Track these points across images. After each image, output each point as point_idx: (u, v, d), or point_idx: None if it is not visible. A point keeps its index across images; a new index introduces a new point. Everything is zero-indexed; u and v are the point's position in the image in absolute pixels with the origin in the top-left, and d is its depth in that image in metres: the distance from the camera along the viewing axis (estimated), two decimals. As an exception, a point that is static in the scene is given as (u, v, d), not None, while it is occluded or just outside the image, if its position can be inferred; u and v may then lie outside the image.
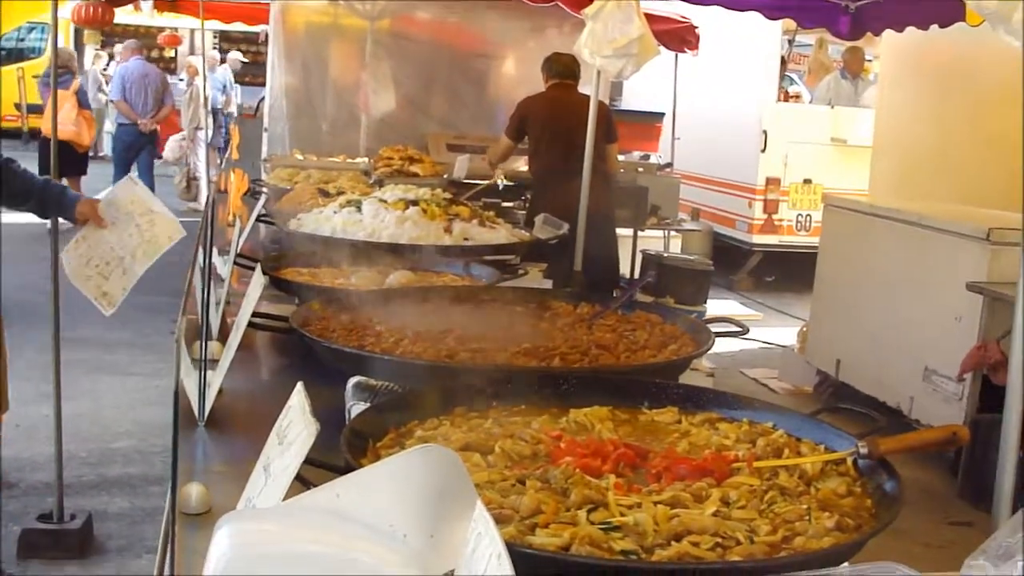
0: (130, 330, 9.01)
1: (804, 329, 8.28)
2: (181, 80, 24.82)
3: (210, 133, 15.95)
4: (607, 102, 8.35)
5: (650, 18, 6.36)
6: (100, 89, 19.71)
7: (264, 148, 9.50)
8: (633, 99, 11.90)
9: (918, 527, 2.48)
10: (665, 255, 8.52)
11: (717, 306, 9.64)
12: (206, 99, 14.13)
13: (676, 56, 11.53)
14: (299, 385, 1.75)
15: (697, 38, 11.17)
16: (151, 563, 5.14)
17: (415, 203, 4.39)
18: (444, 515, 1.40)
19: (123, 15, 15.36)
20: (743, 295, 12.56)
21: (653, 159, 10.41)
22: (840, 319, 7.34)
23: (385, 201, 4.41)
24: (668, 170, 10.36)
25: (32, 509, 5.55)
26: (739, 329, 3.09)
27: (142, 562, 5.24)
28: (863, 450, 2.00)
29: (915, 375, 6.29)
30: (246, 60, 22.98)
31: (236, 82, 22.26)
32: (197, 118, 16.43)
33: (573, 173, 6.21)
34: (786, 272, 12.75)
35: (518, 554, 1.15)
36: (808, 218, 12.52)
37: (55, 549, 5.27)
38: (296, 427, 1.65)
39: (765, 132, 12.32)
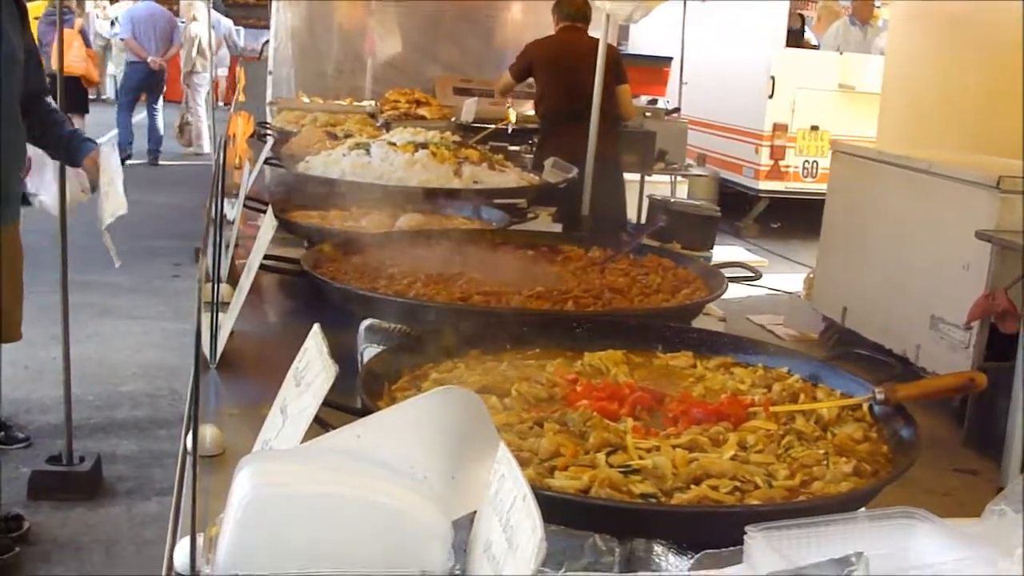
0: (134, 274, 9.01)
1: (810, 276, 8.25)
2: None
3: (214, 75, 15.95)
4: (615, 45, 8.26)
5: (660, -38, 6.30)
6: (97, 33, 19.66)
7: (269, 91, 9.45)
8: (640, 43, 11.83)
9: (923, 475, 2.47)
10: (672, 200, 8.47)
11: (723, 252, 9.61)
12: (218, 43, 14.12)
13: (685, 1, 11.43)
14: (316, 327, 1.74)
15: (707, -18, 11.09)
16: (160, 505, 5.18)
17: (424, 146, 4.37)
18: (466, 456, 1.40)
19: (126, -43, 15.53)
20: (749, 241, 12.52)
21: (660, 104, 10.33)
22: (847, 266, 7.32)
23: (394, 144, 4.39)
24: (675, 115, 10.29)
25: (41, 451, 5.57)
26: (752, 274, 3.08)
27: (151, 504, 5.26)
28: (880, 396, 1.99)
29: (922, 323, 6.28)
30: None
31: (237, 24, 22.08)
32: (191, 61, 16.49)
33: (581, 117, 6.17)
34: (792, 219, 12.71)
35: (538, 496, 1.15)
36: (815, 165, 12.47)
37: (64, 491, 5.29)
38: (313, 369, 1.65)
39: (773, 78, 12.24)
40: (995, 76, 7.84)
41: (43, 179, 5.79)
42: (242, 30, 22.24)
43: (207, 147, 16.54)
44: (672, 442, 1.80)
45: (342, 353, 1.67)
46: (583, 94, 6.22)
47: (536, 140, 7.18)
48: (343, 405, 1.78)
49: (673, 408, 1.98)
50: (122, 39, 16.00)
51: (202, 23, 16.66)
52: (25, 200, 5.61)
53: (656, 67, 10.76)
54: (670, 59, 11.37)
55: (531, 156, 6.45)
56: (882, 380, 2.09)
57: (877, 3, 14.00)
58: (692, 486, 1.65)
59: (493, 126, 6.39)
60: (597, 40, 6.25)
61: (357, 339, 2.40)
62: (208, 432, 2.04)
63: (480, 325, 2.32)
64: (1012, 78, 7.54)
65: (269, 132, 6.07)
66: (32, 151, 5.57)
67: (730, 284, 2.93)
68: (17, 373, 5.50)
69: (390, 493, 1.31)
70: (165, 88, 16.34)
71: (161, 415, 6.30)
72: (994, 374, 5.31)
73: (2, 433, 5.80)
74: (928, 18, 8.79)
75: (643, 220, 7.93)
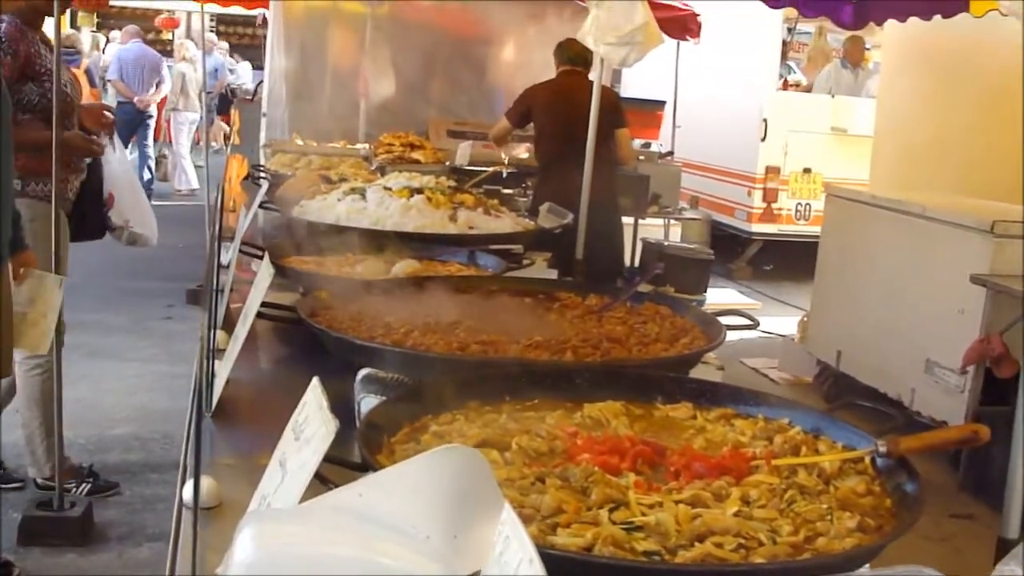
0: (125, 315, 9.00)
1: (804, 319, 8.26)
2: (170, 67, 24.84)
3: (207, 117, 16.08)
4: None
5: (653, 5, 6.33)
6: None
7: (263, 133, 9.47)
8: (633, 86, 11.91)
9: (920, 520, 2.47)
10: (666, 244, 8.52)
11: (716, 295, 9.63)
12: (221, 84, 14.26)
13: (678, 44, 11.50)
14: (315, 381, 1.72)
15: (699, 26, 11.14)
16: (152, 551, 5.13)
17: (420, 191, 4.37)
18: (468, 516, 1.38)
19: (119, -3, 15.72)
20: (742, 284, 12.55)
21: (654, 147, 10.38)
22: (841, 310, 7.32)
23: (389, 189, 4.38)
24: (669, 158, 10.33)
25: (33, 496, 5.53)
26: (750, 323, 3.07)
27: (143, 550, 5.21)
28: (882, 449, 1.98)
29: (917, 367, 6.27)
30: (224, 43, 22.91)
31: (239, 61, 22.27)
32: (175, 100, 16.68)
33: (580, 161, 6.18)
34: (785, 261, 12.74)
35: (542, 555, 1.13)
36: (807, 207, 12.50)
37: (55, 537, 5.24)
38: (313, 424, 1.63)
39: (765, 121, 12.30)
40: (988, 119, 7.89)
41: (136, 209, 5.97)
42: (248, 67, 22.36)
43: (193, 183, 16.66)
44: (675, 497, 1.79)
45: (338, 402, 1.66)
46: (582, 138, 6.23)
47: (530, 183, 7.20)
48: (343, 459, 1.77)
49: (675, 462, 1.97)
50: (109, 80, 16.15)
51: (191, 62, 16.85)
52: (106, 229, 5.80)
53: (650, 111, 10.80)
54: (663, 102, 11.42)
55: (526, 200, 6.45)
56: (884, 432, 2.08)
57: (868, 45, 14.08)
58: (696, 543, 1.63)
59: (488, 170, 6.39)
60: (602, 86, 6.28)
61: (354, 388, 2.39)
62: (204, 484, 2.01)
63: (478, 376, 2.31)
64: (1005, 121, 7.58)
65: (264, 175, 6.07)
66: (115, 181, 5.74)
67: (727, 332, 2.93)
68: (7, 416, 5.46)
69: (392, 554, 1.30)
70: (153, 127, 16.48)
71: (153, 459, 6.26)
72: (990, 419, 5.31)
73: (1, 471, 5.78)
74: (920, 61, 8.84)
75: (637, 263, 7.95)
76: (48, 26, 5.41)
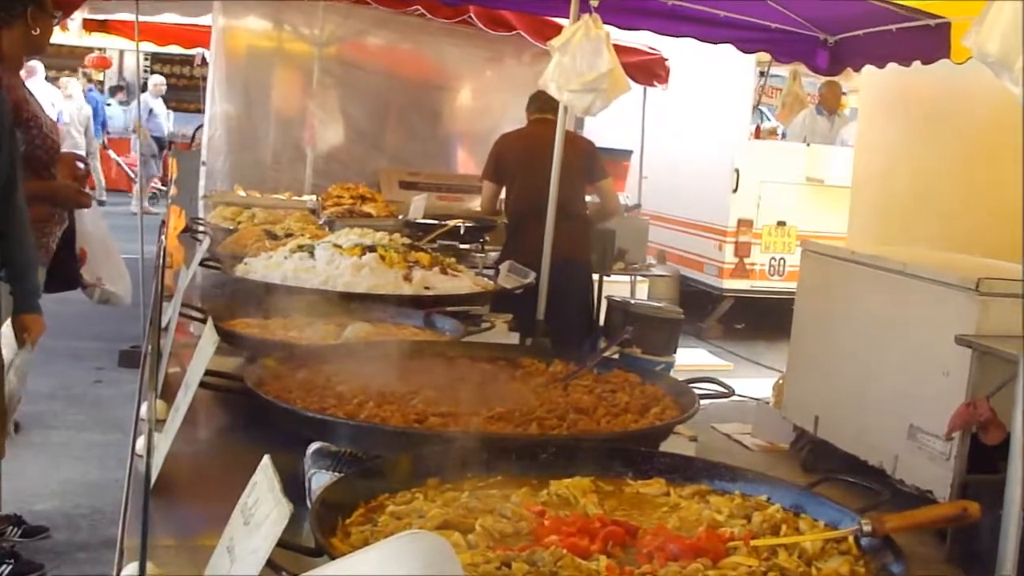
0: (52, 378, 8.91)
1: (780, 382, 8.31)
2: (113, 103, 24.84)
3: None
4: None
5: (618, 49, 6.41)
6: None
7: (202, 183, 9.45)
8: (597, 135, 11.99)
9: (905, 594, 2.49)
10: (632, 302, 8.54)
11: (686, 355, 9.67)
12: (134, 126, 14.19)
13: (645, 90, 11.62)
14: (265, 460, 1.73)
15: (667, 71, 11.26)
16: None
17: (372, 248, 4.38)
18: (432, 609, 1.39)
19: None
20: (712, 343, 12.62)
21: (621, 199, 10.46)
22: (819, 372, 7.38)
23: (340, 246, 4.40)
24: (636, 211, 10.41)
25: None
26: (724, 391, 3.09)
27: (69, 638, 5.16)
28: (867, 527, 2.00)
29: (900, 433, 6.33)
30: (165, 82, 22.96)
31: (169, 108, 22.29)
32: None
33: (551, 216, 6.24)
34: (758, 319, 12.83)
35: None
36: (782, 262, 12.61)
37: (-28, 623, 5.18)
38: (264, 506, 1.63)
39: (737, 171, 12.40)
40: (970, 170, 8.00)
41: (108, 265, 5.96)
42: (171, 114, 22.37)
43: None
44: (649, 582, 1.80)
45: (287, 477, 1.67)
46: (557, 191, 6.28)
47: (489, 238, 7.21)
48: (295, 545, 1.77)
49: (648, 543, 1.98)
50: None
51: (70, 99, 16.78)
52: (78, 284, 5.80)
53: (615, 160, 10.89)
54: (630, 152, 11.52)
55: (483, 256, 6.47)
56: (867, 508, 2.10)
57: (845, 91, 14.26)
58: (672, 632, 1.64)
59: (445, 224, 6.41)
60: (572, 134, 6.31)
61: (304, 463, 2.39)
62: (148, 570, 2.00)
63: (439, 451, 2.32)
64: (987, 172, 7.69)
65: (203, 229, 6.06)
66: (87, 236, 5.73)
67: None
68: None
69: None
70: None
71: (80, 538, 6.18)
72: (978, 489, 5.37)
73: None
74: (899, 108, 8.96)
75: (602, 323, 7.98)
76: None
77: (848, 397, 6.92)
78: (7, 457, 7.19)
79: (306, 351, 3.22)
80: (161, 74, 24.03)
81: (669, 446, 2.75)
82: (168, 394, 2.94)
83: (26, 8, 5.26)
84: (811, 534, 2.07)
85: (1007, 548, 3.10)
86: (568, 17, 6.45)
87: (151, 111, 21.04)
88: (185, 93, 23.41)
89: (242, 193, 8.29)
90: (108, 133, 23.25)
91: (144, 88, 21.76)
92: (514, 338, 4.39)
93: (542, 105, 7.26)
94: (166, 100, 22.38)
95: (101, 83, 26.31)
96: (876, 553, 1.99)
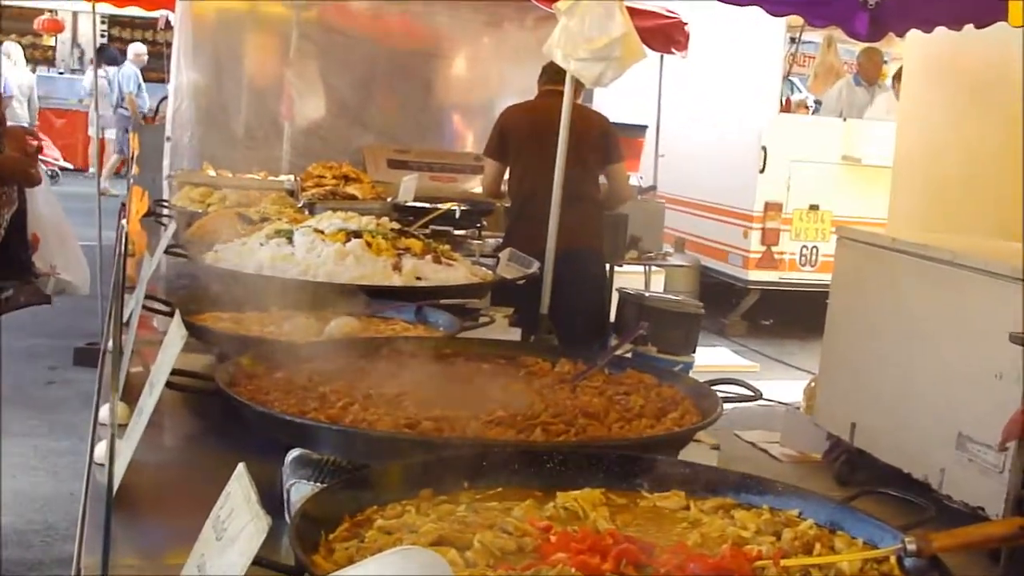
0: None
1: (812, 385, 8.32)
2: (61, 74, 24.87)
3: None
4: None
5: (632, 12, 6.40)
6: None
7: (167, 161, 9.44)
8: (609, 110, 12.03)
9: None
10: (647, 295, 8.56)
11: (707, 355, 9.68)
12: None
13: (662, 58, 11.60)
14: (240, 468, 1.73)
15: (687, 37, 11.24)
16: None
17: (357, 234, 4.38)
18: (427, 632, 1.39)
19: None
20: (736, 341, 12.63)
21: (634, 180, 10.46)
22: (856, 374, 7.38)
23: (322, 232, 4.40)
24: (651, 193, 10.41)
25: None
26: (750, 394, 3.10)
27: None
28: (911, 546, 2.00)
29: (947, 442, 6.33)
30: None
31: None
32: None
33: (562, 199, 6.22)
34: (787, 315, 12.83)
35: None
36: (814, 251, 12.61)
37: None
38: (239, 520, 1.64)
39: (764, 148, 12.38)
40: (1025, 146, 7.95)
41: (64, 253, 5.97)
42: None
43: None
44: (667, 606, 1.80)
45: (264, 488, 1.67)
46: (568, 171, 6.27)
47: (486, 223, 7.19)
48: (274, 563, 1.77)
49: (665, 562, 1.98)
50: None
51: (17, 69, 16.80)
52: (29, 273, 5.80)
53: (628, 137, 10.90)
54: (644, 127, 11.50)
55: (481, 243, 6.48)
56: (912, 525, 2.11)
57: (886, 59, 14.21)
58: (693, 661, 1.65)
59: (438, 207, 6.40)
60: (586, 108, 6.28)
61: (282, 473, 2.39)
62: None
63: (432, 459, 2.33)
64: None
65: (169, 213, 6.06)
66: (41, 221, 5.73)
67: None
68: None
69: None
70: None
71: (32, 556, 6.20)
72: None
73: None
74: (948, 78, 8.91)
75: (613, 318, 7.99)
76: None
77: (888, 402, 6.92)
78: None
79: (284, 348, 3.22)
80: (118, 39, 24.05)
81: (688, 455, 2.76)
82: (130, 396, 2.94)
83: None
84: (848, 553, 2.07)
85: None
86: (576, -24, 6.44)
87: (140, 86, 21.03)
88: (147, 61, 23.37)
89: (212, 172, 8.28)
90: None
91: (123, 56, 21.82)
92: (516, 334, 4.41)
93: (555, 75, 7.16)
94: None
95: (53, 49, 26.34)
96: (921, 575, 2.00)
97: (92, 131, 18.28)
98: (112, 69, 20.48)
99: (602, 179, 7.40)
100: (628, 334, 3.71)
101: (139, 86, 20.86)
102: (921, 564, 2.00)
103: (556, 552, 1.96)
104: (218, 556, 1.64)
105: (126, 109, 20.09)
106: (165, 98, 11.10)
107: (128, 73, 20.92)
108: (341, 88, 10.02)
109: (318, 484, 2.27)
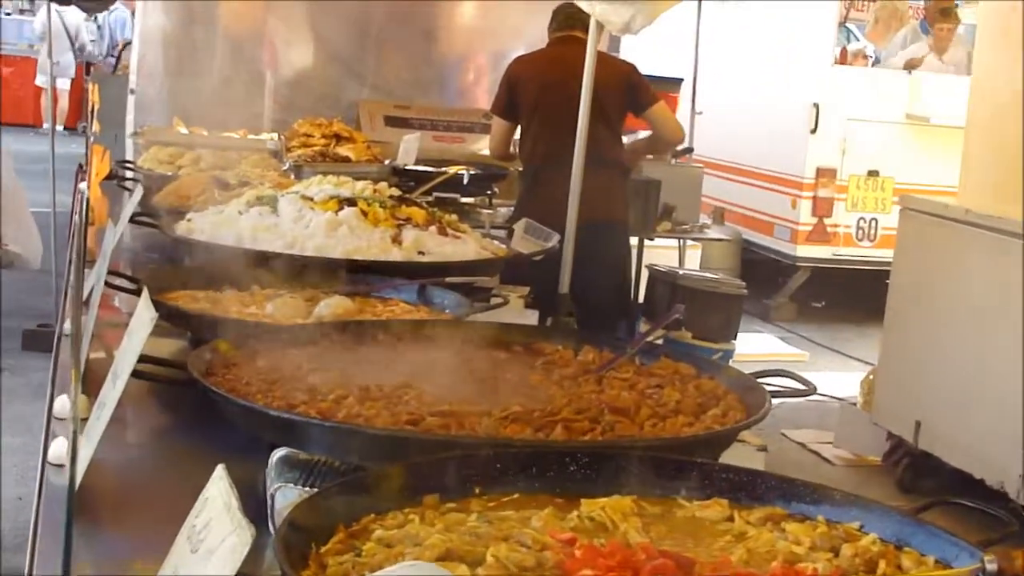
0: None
1: (870, 377, 8.31)
2: (8, 15, 24.91)
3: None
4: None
5: (667, -52, 6.37)
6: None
7: (130, 117, 9.42)
8: (638, 59, 12.02)
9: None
10: (680, 273, 8.55)
11: (749, 342, 9.69)
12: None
13: (699, 3, 11.57)
14: (219, 470, 1.73)
15: (728, -23, 11.24)
16: None
17: (352, 202, 4.38)
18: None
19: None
20: (783, 327, 12.63)
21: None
22: (921, 365, 7.37)
23: (310, 199, 4.39)
24: (687, 157, 10.38)
25: None
26: (802, 388, 3.09)
27: None
28: (991, 566, 1.99)
29: (1024, 445, 6.33)
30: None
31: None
32: None
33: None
34: (842, 297, 12.83)
35: None
36: (873, 223, 12.59)
37: None
38: (218, 530, 1.63)
39: (816, 106, 12.35)
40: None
41: (13, 223, 5.98)
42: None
43: None
44: (709, 631, 1.80)
45: (245, 492, 1.67)
46: (587, 130, 6.25)
47: (498, 189, 7.19)
48: (257, 578, 1.77)
49: (707, 581, 1.98)
50: None
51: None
52: None
53: (661, 92, 10.89)
54: (679, 81, 11.47)
55: (492, 213, 6.47)
56: (991, 542, 2.10)
57: (958, 2, 14.16)
58: None
59: (444, 171, 6.39)
60: (607, 56, 6.23)
61: (266, 475, 2.39)
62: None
63: (437, 461, 2.32)
64: None
65: (134, 176, 6.05)
66: None
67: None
68: None
69: None
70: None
71: (-22, 569, 6.23)
72: None
73: None
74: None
75: (642, 300, 7.99)
76: None
77: (958, 398, 6.91)
78: None
79: (268, 332, 3.22)
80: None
81: (731, 457, 2.75)
82: (90, 387, 2.94)
83: None
84: (918, 572, 2.06)
85: None
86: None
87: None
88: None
89: (183, 130, 8.28)
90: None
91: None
92: (533, 317, 4.39)
93: (568, 19, 7.19)
94: (87, 11, 22.38)
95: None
96: (1003, 597, 1.99)
97: (42, 80, 18.32)
98: (101, 15, 20.40)
99: (629, 137, 7.38)
100: (661, 318, 3.70)
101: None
102: (1004, 585, 2.00)
103: (581, 569, 1.96)
104: (192, 569, 1.64)
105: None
106: (128, 43, 11.09)
107: (121, 17, 20.88)
108: (332, 35, 9.98)
109: (307, 489, 2.27)
